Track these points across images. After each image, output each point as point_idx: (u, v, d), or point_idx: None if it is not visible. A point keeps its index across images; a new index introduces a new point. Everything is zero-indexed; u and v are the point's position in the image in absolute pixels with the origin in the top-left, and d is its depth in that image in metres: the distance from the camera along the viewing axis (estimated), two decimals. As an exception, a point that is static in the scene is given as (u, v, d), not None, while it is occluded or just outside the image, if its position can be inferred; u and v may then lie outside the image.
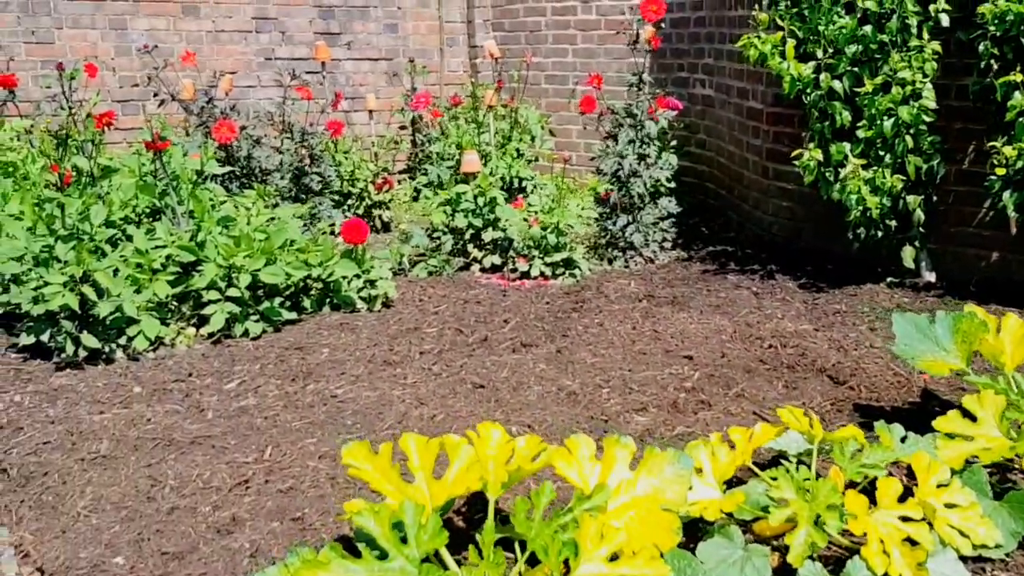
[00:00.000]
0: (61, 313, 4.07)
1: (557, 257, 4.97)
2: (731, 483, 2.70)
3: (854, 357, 3.77)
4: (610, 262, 5.29)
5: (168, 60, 5.93)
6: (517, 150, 6.11)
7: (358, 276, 4.63)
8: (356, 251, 4.65)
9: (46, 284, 4.02)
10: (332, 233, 5.97)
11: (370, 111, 6.53)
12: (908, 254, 4.60)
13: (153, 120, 6.19)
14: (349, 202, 6.21)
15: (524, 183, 6.09)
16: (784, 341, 3.96)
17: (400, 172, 7.42)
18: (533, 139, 6.59)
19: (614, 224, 5.31)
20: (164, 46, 7.18)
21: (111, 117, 4.55)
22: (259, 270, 4.35)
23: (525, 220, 5.05)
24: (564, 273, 5.02)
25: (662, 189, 5.43)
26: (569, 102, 7.48)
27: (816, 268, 4.97)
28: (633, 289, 4.78)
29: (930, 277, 4.66)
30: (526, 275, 5.03)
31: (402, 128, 7.53)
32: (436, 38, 8.04)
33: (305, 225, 5.46)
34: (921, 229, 4.57)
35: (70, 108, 4.85)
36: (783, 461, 2.72)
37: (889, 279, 4.70)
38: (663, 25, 5.24)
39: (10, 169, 5.48)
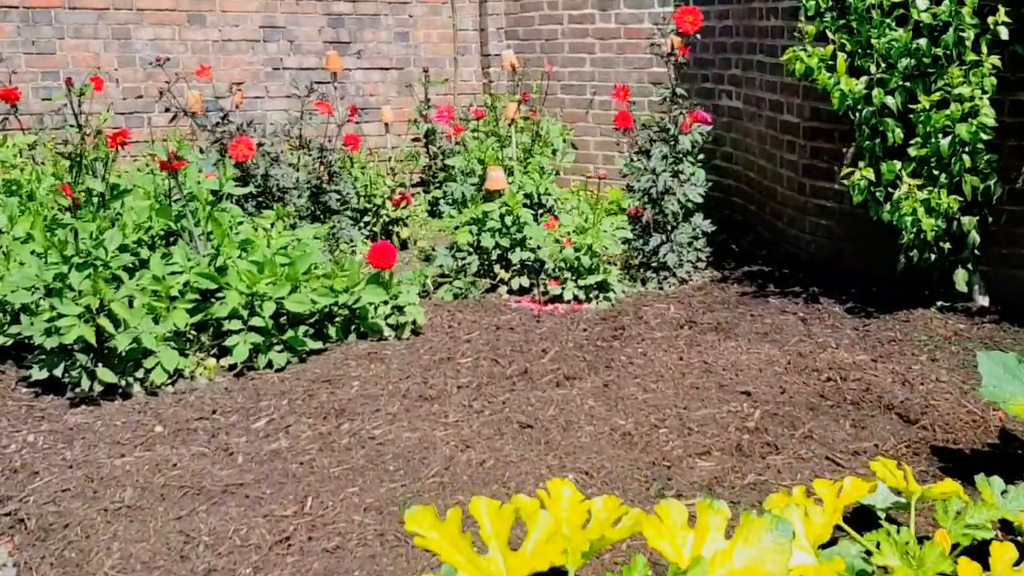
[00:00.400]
0: (75, 346, 3.84)
1: (591, 280, 4.75)
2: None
3: (922, 392, 3.56)
4: (643, 283, 5.07)
5: (178, 72, 5.70)
6: (540, 165, 5.88)
7: (385, 302, 4.41)
8: (383, 275, 4.43)
9: (60, 316, 3.78)
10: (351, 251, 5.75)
11: (386, 124, 6.30)
12: (961, 277, 4.40)
13: (169, 136, 5.94)
14: (366, 219, 5.99)
15: (545, 199, 5.87)
16: (843, 374, 3.75)
17: (414, 186, 7.19)
18: (555, 152, 6.37)
19: (646, 244, 5.10)
20: (168, 56, 6.94)
21: (125, 136, 4.32)
22: (284, 298, 4.12)
23: (557, 241, 4.83)
24: (598, 297, 4.80)
25: (690, 206, 5.21)
26: (587, 113, 7.26)
27: (861, 291, 4.76)
28: (673, 314, 4.57)
29: (983, 301, 4.46)
30: (558, 299, 4.81)
31: (415, 140, 7.31)
32: (448, 47, 7.82)
33: (325, 246, 5.23)
34: (976, 251, 4.37)
35: (80, 125, 4.62)
36: (882, 523, 2.51)
37: (939, 303, 4.50)
38: (697, 35, 5.01)
39: (14, 188, 5.24)
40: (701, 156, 5.24)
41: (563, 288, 4.78)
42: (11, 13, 6.61)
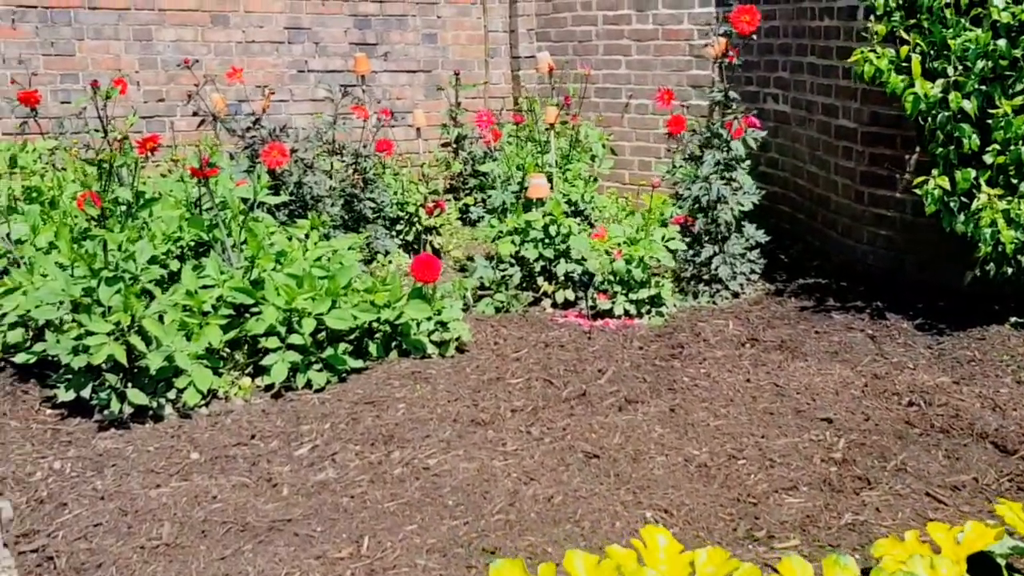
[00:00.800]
0: (104, 365, 3.60)
1: (643, 294, 4.50)
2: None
3: (1016, 419, 3.31)
4: (695, 297, 4.82)
5: (207, 75, 5.47)
6: (580, 173, 5.64)
7: (428, 318, 4.16)
8: (425, 290, 4.19)
9: (89, 333, 3.55)
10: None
11: (418, 128, 6.06)
12: (1038, 292, 4.14)
13: (192, 141, 5.69)
14: (398, 227, 5.75)
15: (585, 208, 5.63)
16: (927, 398, 3.50)
17: (443, 192, 6.95)
18: (593, 159, 6.12)
19: (697, 255, 4.85)
20: (191, 58, 6.71)
21: (155, 141, 4.08)
22: (324, 314, 3.88)
23: (607, 252, 4.58)
24: (650, 312, 4.55)
25: (736, 214, 4.96)
26: (622, 117, 7.02)
27: (928, 305, 4.51)
28: (733, 331, 4.32)
29: (1061, 317, 4.21)
30: (607, 314, 4.56)
31: (444, 145, 7.07)
32: (477, 49, 7.58)
33: (360, 256, 4.98)
34: (1055, 265, 4.12)
35: (105, 130, 4.39)
36: (1015, 574, 2.26)
37: (1013, 319, 4.25)
38: (753, 37, 4.76)
39: (34, 195, 5.01)
40: (747, 162, 4.99)
41: (613, 303, 4.54)
42: (29, 13, 6.40)
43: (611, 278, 4.58)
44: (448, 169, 6.53)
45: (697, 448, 3.20)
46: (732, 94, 4.89)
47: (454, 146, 6.85)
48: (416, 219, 5.72)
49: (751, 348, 4.10)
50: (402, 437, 3.39)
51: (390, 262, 5.22)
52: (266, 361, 3.83)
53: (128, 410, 3.60)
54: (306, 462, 3.25)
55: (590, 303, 4.61)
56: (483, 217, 6.64)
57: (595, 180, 6.03)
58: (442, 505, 2.92)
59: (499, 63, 7.67)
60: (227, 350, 3.93)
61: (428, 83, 7.52)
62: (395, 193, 5.70)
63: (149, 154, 4.10)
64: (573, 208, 5.50)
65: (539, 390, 3.76)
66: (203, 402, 3.74)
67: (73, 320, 3.78)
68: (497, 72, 7.64)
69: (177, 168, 6.20)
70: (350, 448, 3.32)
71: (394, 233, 5.72)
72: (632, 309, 4.52)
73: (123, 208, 4.34)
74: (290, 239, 4.50)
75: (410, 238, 5.75)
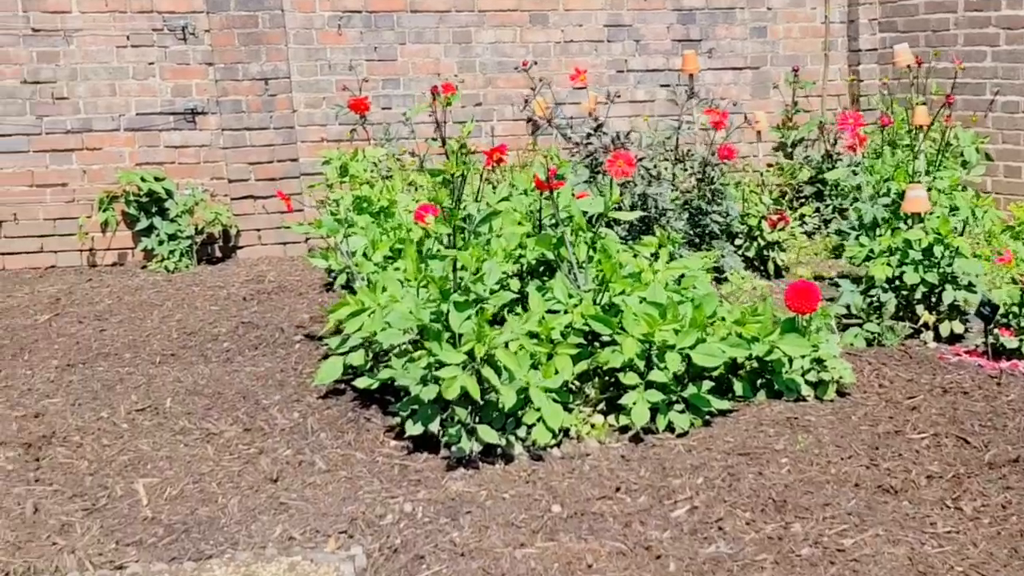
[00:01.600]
0: (453, 398, 3.29)
1: (1061, 332, 3.75)
2: None
3: None
4: (1113, 334, 4.00)
5: (543, 78, 5.15)
6: (960, 182, 4.90)
7: (803, 355, 3.61)
8: (798, 321, 3.64)
9: (440, 364, 3.24)
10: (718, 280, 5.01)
11: (758, 132, 5.52)
12: None
13: (547, 150, 5.36)
14: (737, 242, 5.21)
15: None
16: None
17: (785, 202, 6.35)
18: (964, 164, 5.34)
19: (1118, 283, 4.03)
20: (508, 60, 6.46)
21: (503, 152, 3.76)
22: (687, 348, 3.41)
23: (1014, 280, 3.86)
24: (1069, 353, 3.79)
25: None
26: (986, 116, 6.14)
27: None
28: None
29: None
30: (1013, 353, 3.83)
31: (776, 148, 6.45)
32: (811, 42, 6.89)
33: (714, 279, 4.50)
34: None
35: (443, 138, 4.13)
36: None
37: None
38: None
39: (364, 205, 4.85)
40: None
41: (1021, 340, 3.81)
42: (354, 18, 6.34)
43: (1015, 311, 3.86)
44: (794, 177, 5.91)
45: None
46: None
47: (789, 150, 6.22)
48: (758, 232, 5.17)
49: None
50: (797, 504, 2.86)
51: (741, 280, 4.70)
52: (624, 400, 3.40)
53: (476, 448, 3.28)
54: (687, 528, 2.79)
55: (991, 339, 3.89)
56: (819, 228, 6.01)
57: (965, 189, 5.25)
58: (874, 605, 2.37)
59: (835, 57, 6.94)
60: (576, 383, 3.55)
61: (755, 81, 6.92)
62: (737, 204, 5.18)
63: (495, 165, 3.78)
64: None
65: (952, 450, 3.12)
66: (554, 441, 3.36)
67: (411, 343, 3.52)
68: (833, 67, 6.92)
69: (497, 175, 5.95)
70: (737, 514, 2.83)
71: (733, 249, 5.20)
72: (1047, 349, 3.78)
73: (459, 220, 4.05)
74: (635, 257, 4.08)
75: (751, 254, 5.20)
